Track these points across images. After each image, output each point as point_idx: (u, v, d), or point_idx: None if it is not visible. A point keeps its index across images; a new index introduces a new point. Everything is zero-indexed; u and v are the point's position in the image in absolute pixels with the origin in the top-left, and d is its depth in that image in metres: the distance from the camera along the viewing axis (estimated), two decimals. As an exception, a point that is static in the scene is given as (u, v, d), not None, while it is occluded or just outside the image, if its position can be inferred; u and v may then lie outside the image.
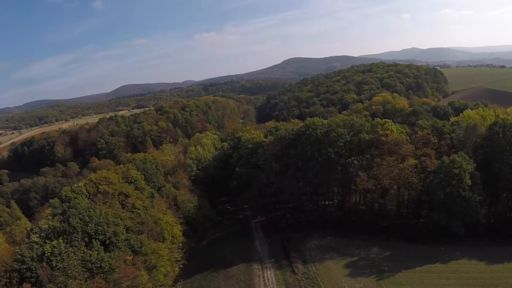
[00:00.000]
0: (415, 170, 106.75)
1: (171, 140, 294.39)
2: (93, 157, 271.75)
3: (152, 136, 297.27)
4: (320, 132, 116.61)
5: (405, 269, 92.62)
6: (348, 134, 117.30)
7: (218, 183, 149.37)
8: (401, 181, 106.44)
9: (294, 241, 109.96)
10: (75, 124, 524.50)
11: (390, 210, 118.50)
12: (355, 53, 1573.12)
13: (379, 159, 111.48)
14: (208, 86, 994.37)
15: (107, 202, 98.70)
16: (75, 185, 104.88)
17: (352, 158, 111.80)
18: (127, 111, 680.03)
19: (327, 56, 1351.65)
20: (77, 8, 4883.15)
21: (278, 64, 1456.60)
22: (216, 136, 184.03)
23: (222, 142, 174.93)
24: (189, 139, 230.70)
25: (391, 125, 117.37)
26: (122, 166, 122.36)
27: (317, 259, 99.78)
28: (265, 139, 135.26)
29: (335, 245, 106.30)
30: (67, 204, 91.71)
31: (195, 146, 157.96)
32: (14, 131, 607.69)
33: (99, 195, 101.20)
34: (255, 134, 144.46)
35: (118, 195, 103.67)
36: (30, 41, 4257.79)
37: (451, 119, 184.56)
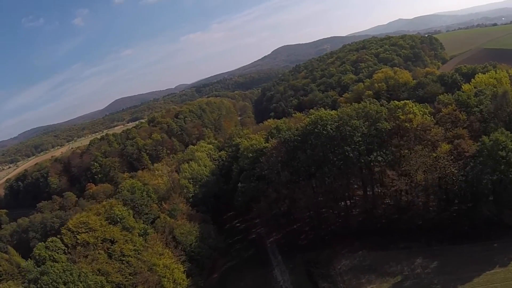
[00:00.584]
0: (452, 157, 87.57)
1: (168, 152, 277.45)
2: (89, 183, 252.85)
3: (148, 151, 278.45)
4: (331, 128, 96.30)
5: (461, 284, 74.75)
6: (364, 126, 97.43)
7: (221, 199, 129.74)
8: (437, 173, 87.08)
9: (320, 263, 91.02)
10: (70, 148, 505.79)
11: (422, 205, 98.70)
12: (343, 33, 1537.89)
13: (406, 151, 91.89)
14: (201, 88, 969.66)
15: (88, 255, 79.96)
16: (49, 240, 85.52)
17: (375, 154, 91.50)
18: (122, 126, 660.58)
19: (315, 40, 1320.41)
20: (59, 29, 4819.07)
21: (268, 54, 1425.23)
22: (211, 146, 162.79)
23: (220, 151, 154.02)
24: (186, 148, 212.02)
25: (413, 107, 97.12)
26: (104, 203, 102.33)
27: (352, 287, 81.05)
28: (267, 144, 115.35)
29: (370, 262, 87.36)
30: (39, 269, 73.07)
31: (188, 162, 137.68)
32: (11, 165, 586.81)
33: (78, 247, 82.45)
34: (254, 139, 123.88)
35: (102, 243, 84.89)
36: (16, 69, 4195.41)
37: (463, 86, 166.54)
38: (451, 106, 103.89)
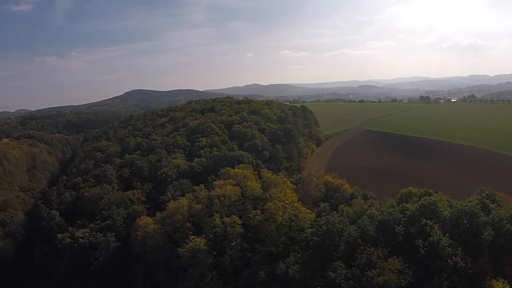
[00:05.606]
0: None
1: None
2: None
3: None
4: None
5: None
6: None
7: None
8: None
9: None
10: None
11: None
12: (200, 87, 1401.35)
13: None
14: (27, 120, 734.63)
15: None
16: None
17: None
18: None
19: (172, 89, 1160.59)
20: None
21: (120, 95, 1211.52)
22: None
23: None
24: None
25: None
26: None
27: None
28: None
29: None
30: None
31: None
32: None
33: None
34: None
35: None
36: None
37: None
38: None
